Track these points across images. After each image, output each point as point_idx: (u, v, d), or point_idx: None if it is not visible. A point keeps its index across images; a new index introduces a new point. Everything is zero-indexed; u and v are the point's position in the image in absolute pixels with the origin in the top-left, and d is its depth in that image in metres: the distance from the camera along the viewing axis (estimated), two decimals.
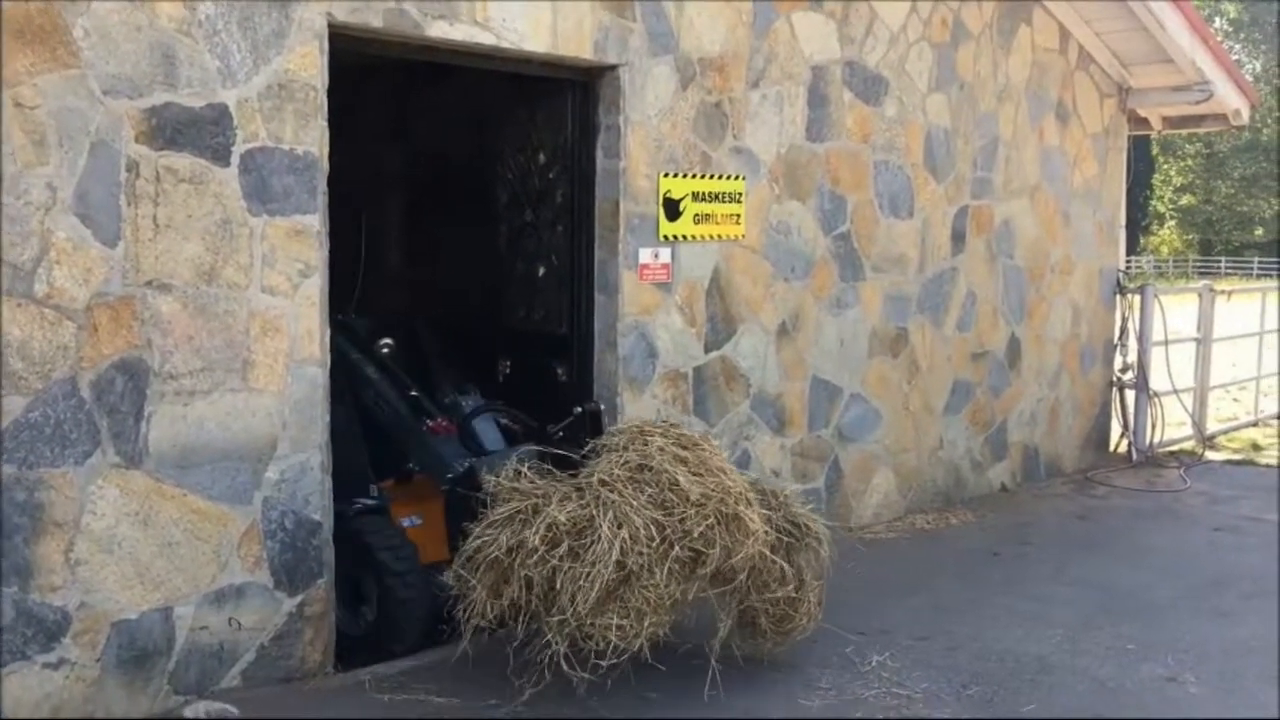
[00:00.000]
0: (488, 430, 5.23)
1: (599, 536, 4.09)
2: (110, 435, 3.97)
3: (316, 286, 4.45)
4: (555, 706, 4.17)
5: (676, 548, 4.16)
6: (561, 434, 4.93)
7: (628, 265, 5.58)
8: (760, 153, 6.19)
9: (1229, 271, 46.66)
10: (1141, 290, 9.63)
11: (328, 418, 4.53)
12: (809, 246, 6.54)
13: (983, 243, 7.86)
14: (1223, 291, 11.20)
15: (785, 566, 4.49)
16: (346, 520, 4.77)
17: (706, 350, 6.03)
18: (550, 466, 4.56)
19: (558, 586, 4.08)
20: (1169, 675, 4.71)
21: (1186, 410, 10.14)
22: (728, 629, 4.45)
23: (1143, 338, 9.46)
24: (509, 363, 6.08)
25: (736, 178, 6.05)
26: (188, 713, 4.09)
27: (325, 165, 4.47)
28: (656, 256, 5.68)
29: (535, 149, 5.89)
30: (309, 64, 4.37)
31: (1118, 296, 9.43)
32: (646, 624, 4.10)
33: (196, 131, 4.10)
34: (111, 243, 3.93)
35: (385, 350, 5.46)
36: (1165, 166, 52.88)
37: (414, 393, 5.33)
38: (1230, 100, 9.17)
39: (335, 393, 4.71)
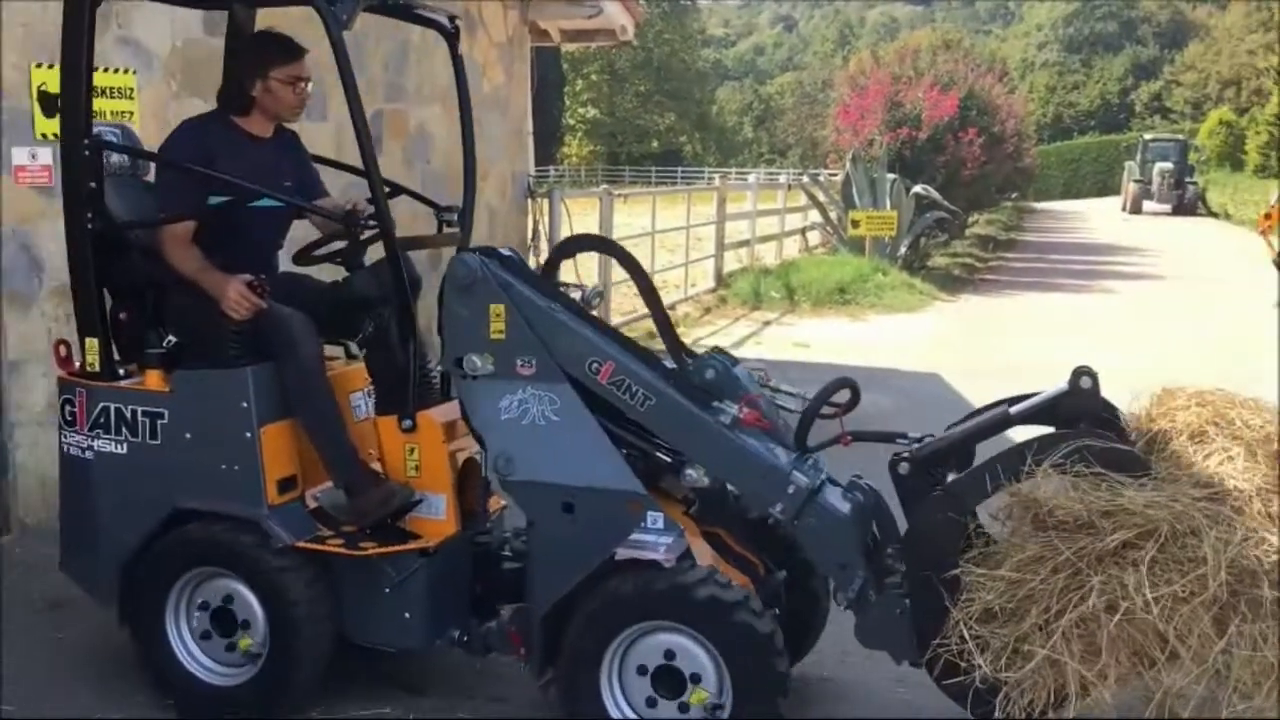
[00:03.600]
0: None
1: None
2: None
3: None
4: None
5: None
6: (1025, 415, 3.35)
7: None
8: (153, 46, 5.73)
9: (633, 179, 51.23)
10: (549, 195, 10.30)
11: None
12: None
13: (399, 147, 7.94)
14: (619, 195, 12.31)
15: None
16: (667, 573, 3.20)
17: None
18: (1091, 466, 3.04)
19: (1209, 663, 2.79)
20: None
21: None
22: None
23: (552, 239, 10.15)
24: None
25: (126, 71, 5.56)
26: None
27: None
28: (34, 157, 5.09)
29: None
30: None
31: (529, 201, 10.02)
32: None
33: None
34: None
35: (598, 300, 3.64)
36: (574, 81, 56.64)
37: (668, 364, 3.49)
38: (617, 17, 10.01)
39: (546, 370, 3.35)
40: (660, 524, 3.28)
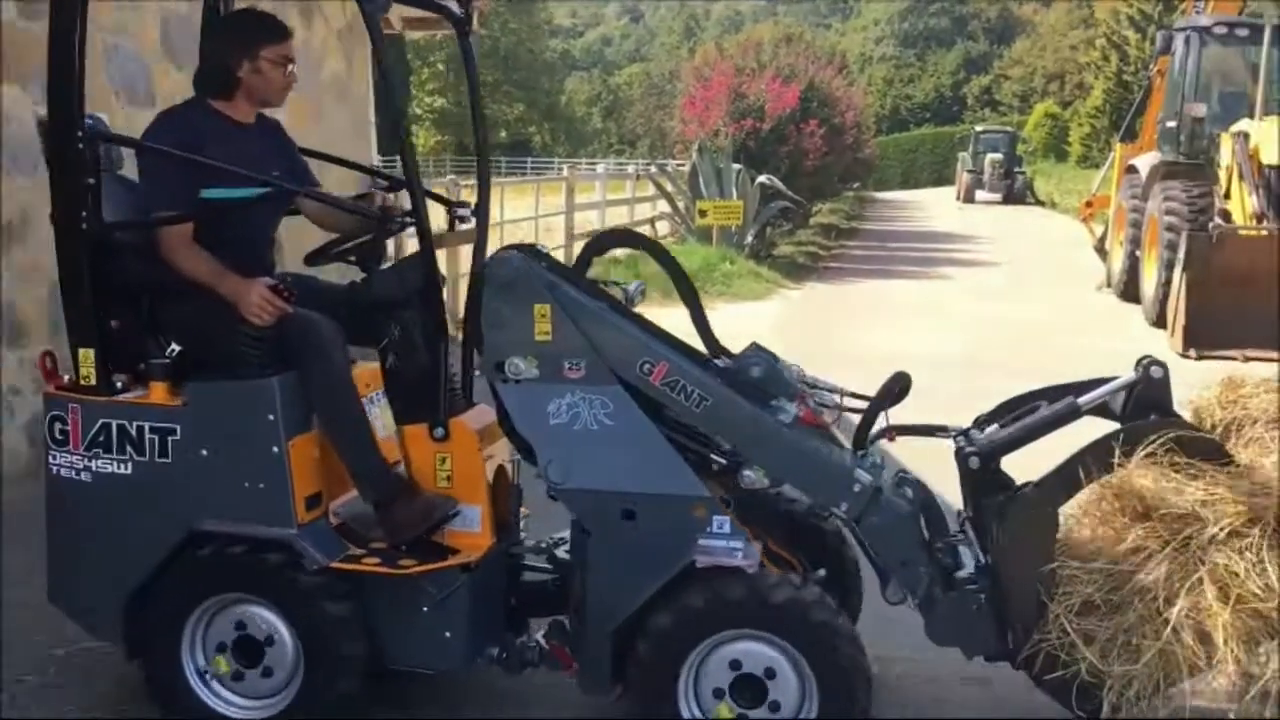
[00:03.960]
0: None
1: None
2: None
3: None
4: None
5: None
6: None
7: None
8: None
9: None
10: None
11: None
12: (34, 138, 5.88)
13: None
14: (467, 185, 12.16)
15: None
16: (748, 579, 3.11)
17: None
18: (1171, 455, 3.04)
19: None
20: None
21: None
22: None
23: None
24: None
25: None
26: None
27: None
28: None
29: None
30: None
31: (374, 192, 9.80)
32: None
33: None
34: None
35: (640, 297, 3.44)
36: (420, 70, 55.77)
37: (719, 362, 3.37)
38: (454, 5, 9.86)
39: (595, 372, 3.15)
40: (726, 528, 3.14)
